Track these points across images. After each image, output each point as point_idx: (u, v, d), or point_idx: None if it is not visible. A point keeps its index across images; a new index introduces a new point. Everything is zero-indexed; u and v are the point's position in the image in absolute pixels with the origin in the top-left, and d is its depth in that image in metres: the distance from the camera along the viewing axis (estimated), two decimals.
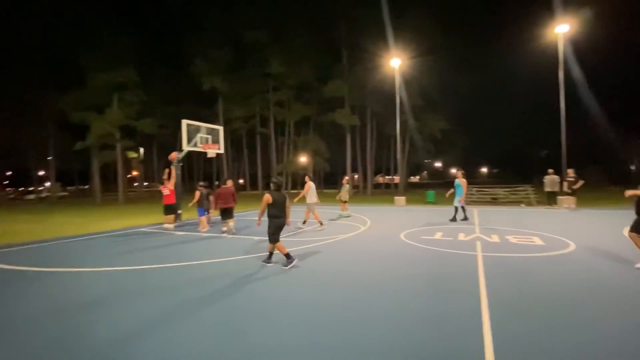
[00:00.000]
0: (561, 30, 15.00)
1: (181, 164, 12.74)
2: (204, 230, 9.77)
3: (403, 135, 33.54)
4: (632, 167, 46.76)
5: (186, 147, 12.49)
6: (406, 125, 31.79)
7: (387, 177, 49.88)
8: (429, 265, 5.61)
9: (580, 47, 20.99)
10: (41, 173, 40.67)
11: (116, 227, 11.30)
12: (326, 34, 31.31)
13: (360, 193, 34.47)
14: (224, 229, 9.20)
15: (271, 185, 5.70)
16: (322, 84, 30.73)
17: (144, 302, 4.14)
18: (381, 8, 25.69)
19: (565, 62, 15.55)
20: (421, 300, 3.98)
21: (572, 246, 6.73)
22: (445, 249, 6.80)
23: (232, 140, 36.96)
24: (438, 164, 76.04)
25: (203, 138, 13.22)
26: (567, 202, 14.17)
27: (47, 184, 41.28)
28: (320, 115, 34.96)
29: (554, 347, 2.81)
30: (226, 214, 9.10)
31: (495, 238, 7.84)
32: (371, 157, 34.44)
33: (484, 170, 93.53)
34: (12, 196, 41.88)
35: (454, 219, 10.81)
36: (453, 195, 11.04)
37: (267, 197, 5.53)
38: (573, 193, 14.13)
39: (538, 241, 7.33)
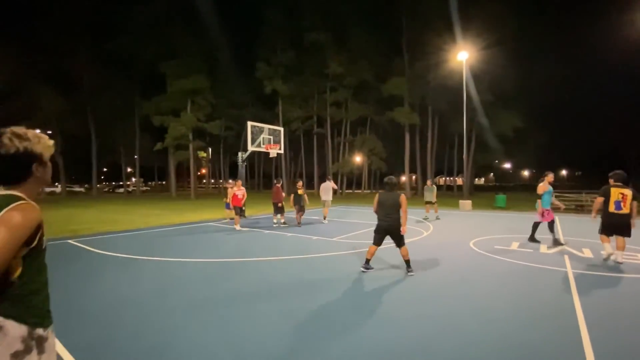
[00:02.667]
0: None
1: (245, 163, 13.46)
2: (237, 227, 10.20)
3: (469, 134, 31.28)
4: None
5: (251, 147, 13.17)
6: (473, 123, 29.56)
7: (448, 178, 47.00)
8: (509, 280, 5.06)
9: None
10: (129, 170, 46.60)
11: (192, 219, 12.40)
12: (386, 30, 30.53)
13: (419, 195, 32.98)
14: (274, 220, 11.01)
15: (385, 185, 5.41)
16: (381, 82, 30.05)
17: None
18: None
19: None
20: (509, 325, 3.58)
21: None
22: (525, 262, 6.08)
23: (290, 140, 38.15)
24: (507, 165, 69.30)
25: (266, 139, 13.83)
26: None
27: (133, 179, 47.25)
28: (378, 115, 34.25)
29: None
30: (277, 208, 10.78)
31: (587, 252, 6.80)
32: (432, 157, 32.74)
33: (564, 172, 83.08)
34: (106, 190, 48.87)
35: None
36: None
37: (375, 198, 5.43)
38: None
39: None
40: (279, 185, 11.05)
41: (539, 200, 7.68)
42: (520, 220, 12.34)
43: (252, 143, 13.27)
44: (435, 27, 25.07)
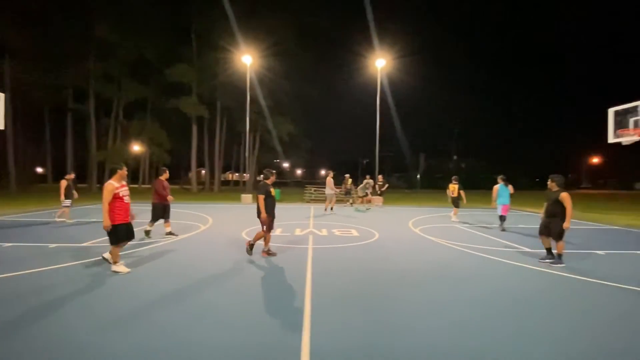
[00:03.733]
0: (379, 64, 18.75)
1: None
2: None
3: (254, 133, 33.89)
4: (418, 176, 63.69)
5: None
6: (257, 124, 32.23)
7: (236, 174, 49.16)
8: (265, 260, 5.75)
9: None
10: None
11: None
12: (176, 11, 27.81)
13: (206, 190, 32.47)
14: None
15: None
16: (166, 65, 27.17)
17: None
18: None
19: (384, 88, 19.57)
20: (253, 295, 3.99)
21: (377, 236, 8.42)
22: (282, 244, 7.17)
23: (25, 114, 27.53)
24: (286, 165, 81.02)
25: None
26: (377, 201, 17.77)
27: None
28: (161, 100, 30.76)
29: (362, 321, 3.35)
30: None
31: (324, 232, 8.90)
32: (220, 153, 33.04)
33: (324, 172, 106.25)
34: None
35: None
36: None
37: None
38: (381, 194, 17.85)
39: (355, 233, 8.82)
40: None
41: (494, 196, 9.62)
42: (290, 210, 14.61)
43: None
44: (224, 24, 25.40)
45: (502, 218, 9.69)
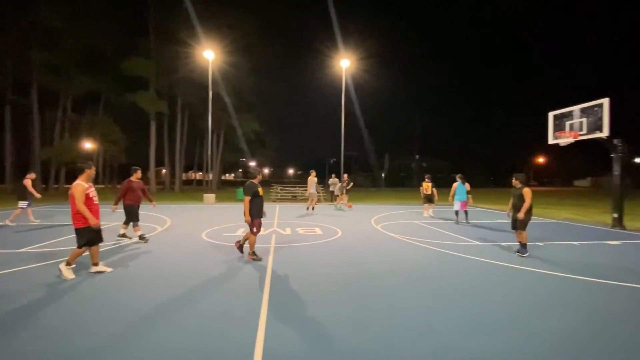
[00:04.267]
0: (344, 64, 19.01)
1: None
2: None
3: (218, 131, 32.91)
4: (383, 175, 65.53)
5: None
6: (221, 121, 31.32)
7: (199, 173, 47.45)
8: (227, 262, 5.61)
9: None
10: None
11: None
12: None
13: (166, 190, 31.00)
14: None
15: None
16: (121, 57, 25.50)
17: None
18: None
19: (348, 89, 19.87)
20: (209, 296, 3.88)
21: (340, 233, 8.55)
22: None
23: None
24: (252, 163, 79.71)
25: None
26: (342, 199, 18.01)
27: None
28: (116, 95, 28.85)
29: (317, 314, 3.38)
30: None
31: (288, 231, 8.87)
32: (181, 151, 31.69)
33: (291, 171, 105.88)
34: None
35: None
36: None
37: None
38: (346, 192, 18.12)
39: (318, 231, 8.88)
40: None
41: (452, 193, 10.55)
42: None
43: None
44: (184, 16, 24.35)
45: (457, 213, 10.58)
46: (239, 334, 3.05)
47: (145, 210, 12.97)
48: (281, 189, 21.89)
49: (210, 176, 29.74)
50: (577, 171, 67.37)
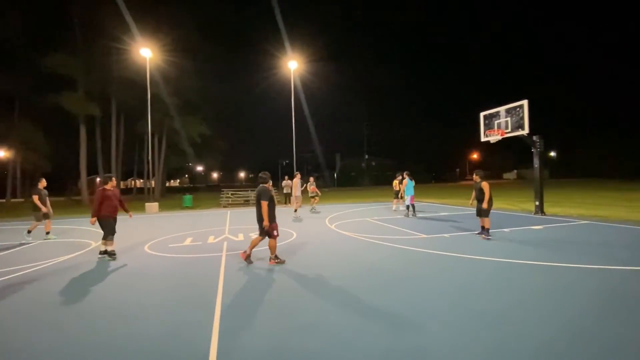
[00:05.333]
0: (292, 66, 18.99)
1: None
2: None
3: (159, 134, 30.71)
4: (335, 175, 66.90)
5: None
6: (163, 124, 29.31)
7: (139, 180, 43.94)
8: (174, 274, 5.20)
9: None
10: None
11: None
12: None
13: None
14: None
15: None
16: (40, 53, 22.52)
17: None
18: None
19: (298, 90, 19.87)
20: (156, 313, 3.54)
21: (295, 235, 8.48)
22: (192, 254, 6.62)
23: None
24: (199, 168, 75.88)
25: None
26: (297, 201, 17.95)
27: None
28: (36, 96, 25.38)
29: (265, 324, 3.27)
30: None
31: (240, 237, 8.56)
32: (118, 157, 28.99)
33: (242, 175, 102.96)
34: None
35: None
36: None
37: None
38: (302, 194, 18.09)
39: None
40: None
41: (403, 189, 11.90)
42: (205, 217, 13.66)
43: None
44: (115, 10, 22.29)
45: (408, 207, 11.58)
46: (190, 347, 2.82)
47: (77, 224, 11.66)
48: (232, 194, 21.13)
49: (153, 183, 27.64)
50: (505, 165, 75.43)
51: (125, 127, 29.54)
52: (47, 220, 8.75)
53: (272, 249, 5.67)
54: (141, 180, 43.74)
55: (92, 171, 28.94)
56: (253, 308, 3.76)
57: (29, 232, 8.61)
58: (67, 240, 8.72)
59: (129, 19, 21.24)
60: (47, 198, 8.73)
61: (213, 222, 11.94)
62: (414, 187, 11.52)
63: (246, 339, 3.03)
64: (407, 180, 11.39)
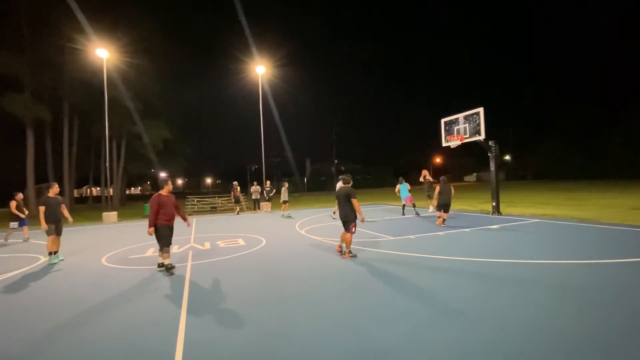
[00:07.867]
0: (259, 70, 18.86)
1: None
2: None
3: (118, 139, 29.01)
4: (305, 180, 66.87)
5: None
6: (122, 128, 27.74)
7: (96, 188, 41.15)
8: (136, 286, 4.91)
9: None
10: None
11: None
12: None
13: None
14: None
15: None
16: None
17: None
18: None
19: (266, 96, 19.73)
20: (119, 328, 3.32)
21: (264, 242, 8.36)
22: (154, 266, 6.29)
23: None
24: (163, 174, 72.51)
25: None
26: (266, 207, 17.75)
27: None
28: None
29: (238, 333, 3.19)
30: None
31: (207, 245, 8.29)
32: (71, 164, 26.91)
33: (209, 181, 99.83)
34: None
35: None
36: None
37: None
38: (269, 199, 17.91)
39: (241, 242, 8.52)
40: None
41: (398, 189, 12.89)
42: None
43: None
44: (64, 5, 20.83)
45: (404, 207, 13.01)
46: None
47: (21, 238, 10.62)
48: (198, 201, 20.42)
49: (111, 191, 25.93)
50: (465, 168, 79.67)
51: (79, 132, 27.53)
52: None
53: (348, 243, 6.16)
54: (98, 188, 40.97)
55: (42, 178, 26.60)
56: (220, 319, 3.65)
57: None
58: (12, 255, 7.94)
59: (81, 16, 19.98)
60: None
61: (177, 230, 11.30)
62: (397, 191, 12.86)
63: (213, 351, 2.94)
64: (399, 185, 12.77)
